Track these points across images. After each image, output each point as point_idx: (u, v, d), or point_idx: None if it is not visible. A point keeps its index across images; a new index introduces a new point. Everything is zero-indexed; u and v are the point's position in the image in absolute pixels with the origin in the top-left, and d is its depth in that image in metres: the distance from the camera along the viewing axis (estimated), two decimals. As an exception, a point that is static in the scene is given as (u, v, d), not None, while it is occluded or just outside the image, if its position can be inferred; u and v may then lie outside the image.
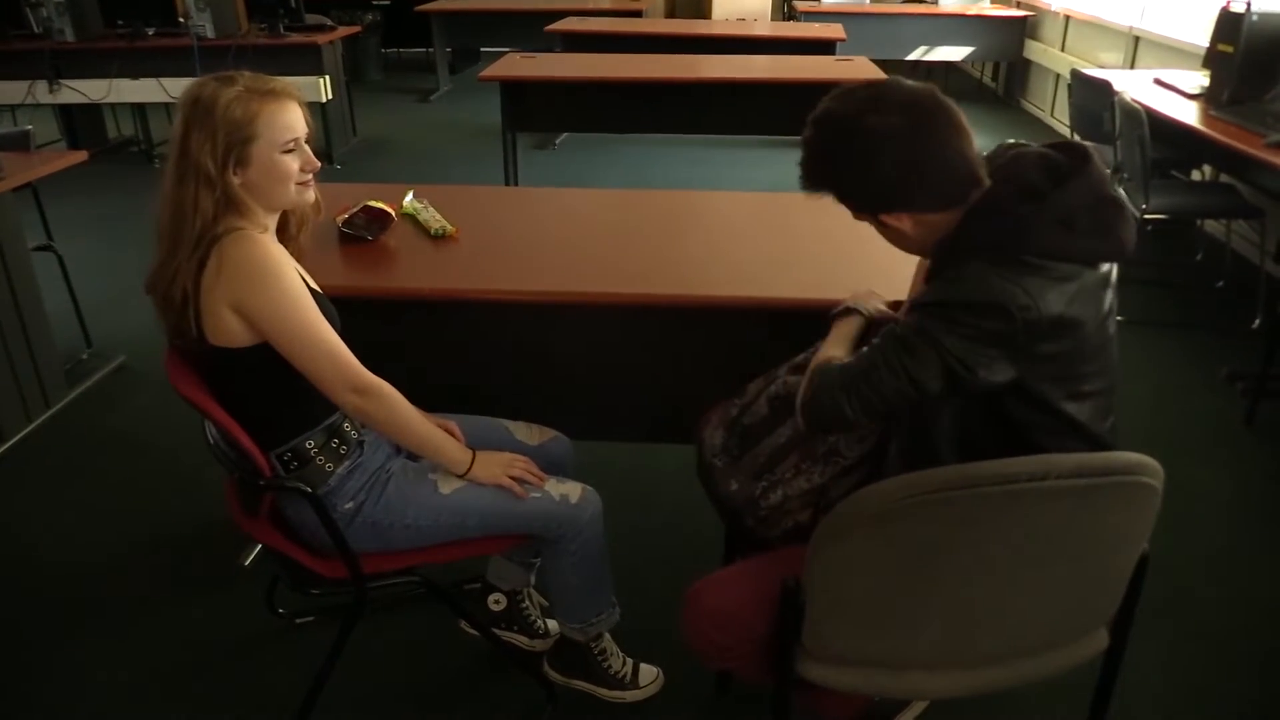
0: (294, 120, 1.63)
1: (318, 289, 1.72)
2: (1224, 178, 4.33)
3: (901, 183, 1.37)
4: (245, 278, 1.57)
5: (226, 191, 1.58)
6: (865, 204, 1.43)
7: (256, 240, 1.60)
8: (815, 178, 1.45)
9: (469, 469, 1.76)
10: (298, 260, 1.72)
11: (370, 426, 1.76)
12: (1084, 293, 1.33)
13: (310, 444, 1.71)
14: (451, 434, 1.82)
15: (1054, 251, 1.31)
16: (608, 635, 1.99)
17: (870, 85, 1.40)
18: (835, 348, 1.55)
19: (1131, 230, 1.36)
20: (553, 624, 2.10)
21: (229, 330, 1.59)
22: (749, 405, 1.63)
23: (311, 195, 1.70)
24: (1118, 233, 1.35)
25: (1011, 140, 1.47)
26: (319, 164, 1.69)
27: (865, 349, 1.42)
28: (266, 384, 1.65)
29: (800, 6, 8.50)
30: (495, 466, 1.77)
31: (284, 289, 1.59)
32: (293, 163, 1.63)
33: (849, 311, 1.63)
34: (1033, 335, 1.30)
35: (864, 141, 1.36)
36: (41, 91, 5.74)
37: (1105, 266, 1.38)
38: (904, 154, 1.35)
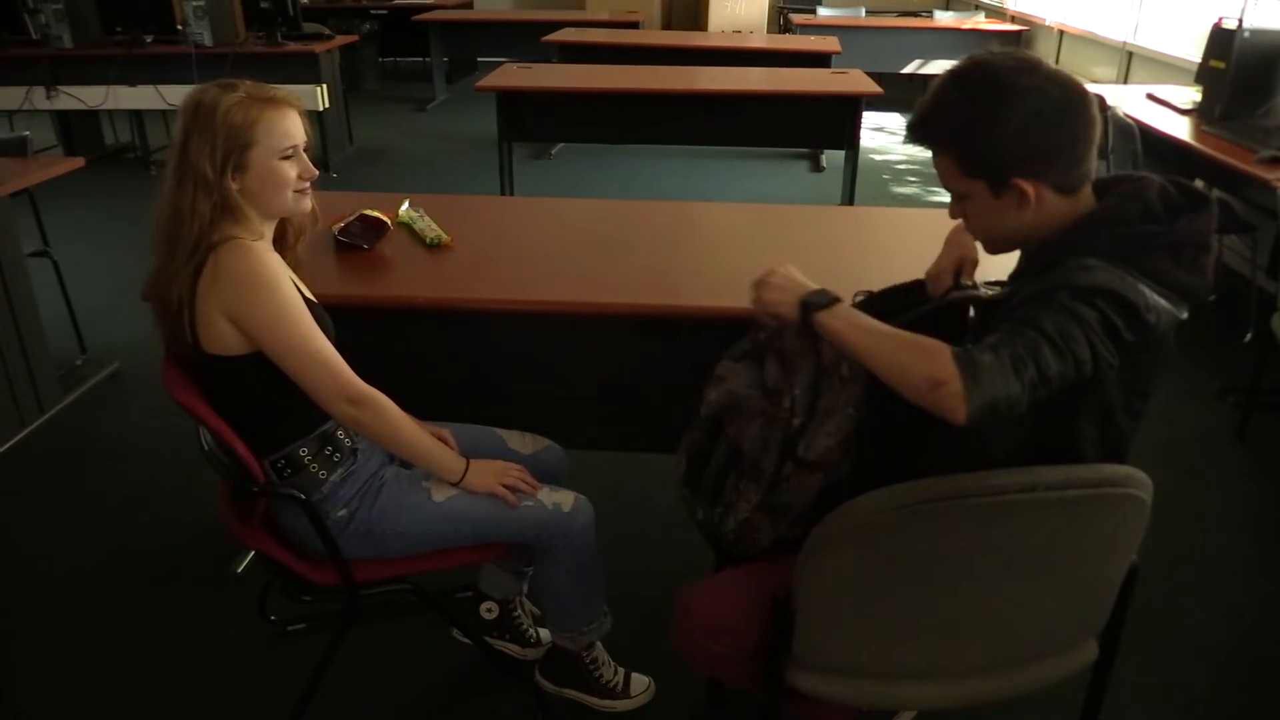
0: (293, 128, 1.65)
1: (313, 298, 1.73)
2: (1216, 193, 4.35)
3: (1052, 144, 1.34)
4: (240, 287, 1.58)
5: (224, 197, 1.59)
6: (1004, 162, 1.34)
7: (252, 250, 1.61)
8: (944, 129, 1.38)
9: (463, 477, 1.77)
10: (295, 270, 1.73)
11: (364, 436, 1.76)
12: (1174, 323, 1.33)
13: (304, 451, 1.71)
14: (445, 442, 1.83)
15: (1159, 276, 1.31)
16: (599, 644, 2.00)
17: (1017, 53, 1.37)
18: (896, 332, 1.34)
19: (1211, 276, 1.36)
20: (544, 633, 2.10)
21: (223, 338, 1.60)
22: (692, 429, 1.60)
23: (308, 203, 1.71)
24: (1207, 275, 1.35)
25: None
26: (317, 172, 1.71)
27: (1003, 334, 1.26)
28: (260, 391, 1.66)
29: (796, 19, 8.54)
30: (489, 475, 1.78)
31: (279, 299, 1.60)
32: (290, 170, 1.65)
33: (827, 299, 1.43)
34: (1140, 343, 1.30)
35: (1024, 97, 1.31)
36: (39, 97, 5.75)
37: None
38: (1059, 117, 1.33)
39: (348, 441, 1.77)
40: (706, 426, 1.57)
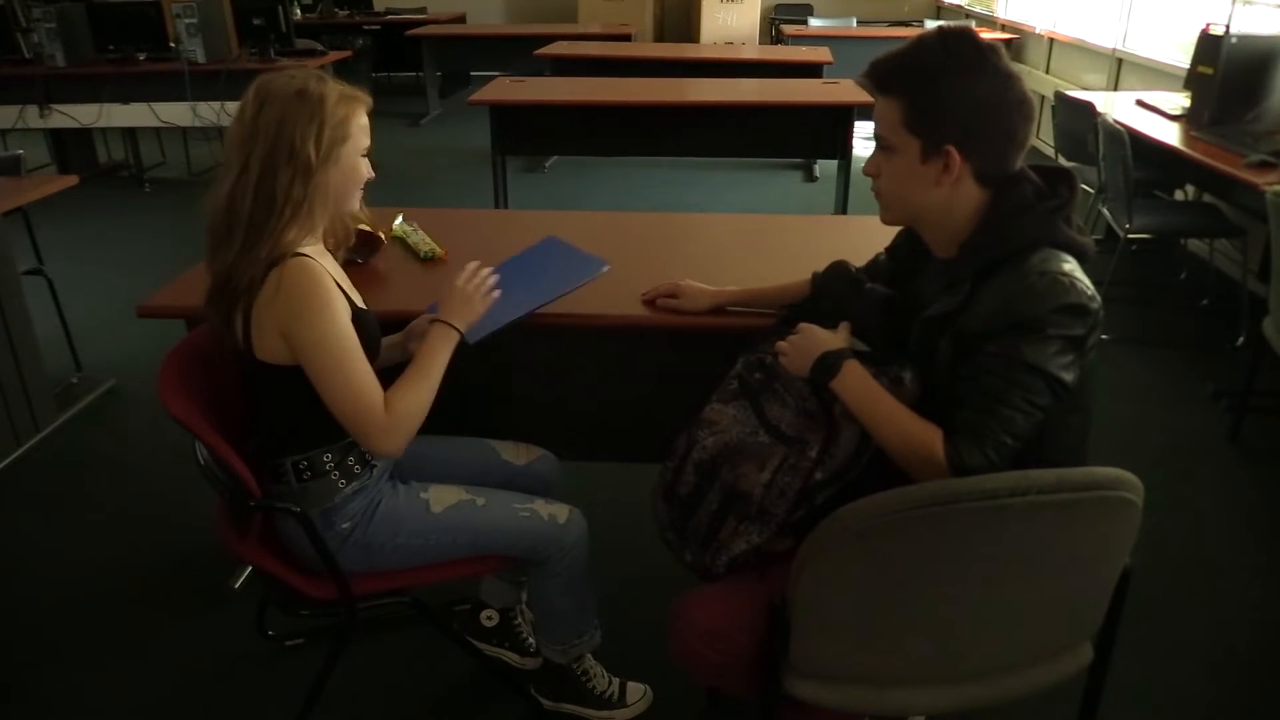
0: (368, 127, 1.67)
1: (363, 306, 1.72)
2: (1206, 197, 4.38)
3: (997, 129, 1.39)
4: (296, 306, 1.56)
5: (309, 188, 1.57)
6: (949, 124, 1.38)
7: (314, 271, 1.58)
8: (912, 71, 1.40)
9: (450, 328, 1.73)
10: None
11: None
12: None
13: (327, 457, 1.71)
14: (412, 334, 1.87)
15: (1067, 245, 1.40)
16: (589, 656, 2.00)
17: (999, 45, 1.43)
18: (894, 411, 1.44)
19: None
20: (543, 644, 2.10)
21: (275, 350, 1.60)
22: (680, 473, 1.61)
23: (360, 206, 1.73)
24: (1088, 234, 1.45)
25: None
26: (374, 174, 1.71)
27: (971, 404, 1.37)
28: (303, 398, 1.62)
29: (787, 30, 8.58)
30: (462, 307, 1.75)
31: (329, 329, 1.57)
32: (365, 168, 1.67)
33: (836, 360, 1.50)
34: (1096, 329, 1.38)
35: (995, 76, 1.37)
36: (32, 116, 5.77)
37: None
38: (1014, 109, 1.39)
39: (368, 455, 1.77)
40: (703, 471, 1.58)
